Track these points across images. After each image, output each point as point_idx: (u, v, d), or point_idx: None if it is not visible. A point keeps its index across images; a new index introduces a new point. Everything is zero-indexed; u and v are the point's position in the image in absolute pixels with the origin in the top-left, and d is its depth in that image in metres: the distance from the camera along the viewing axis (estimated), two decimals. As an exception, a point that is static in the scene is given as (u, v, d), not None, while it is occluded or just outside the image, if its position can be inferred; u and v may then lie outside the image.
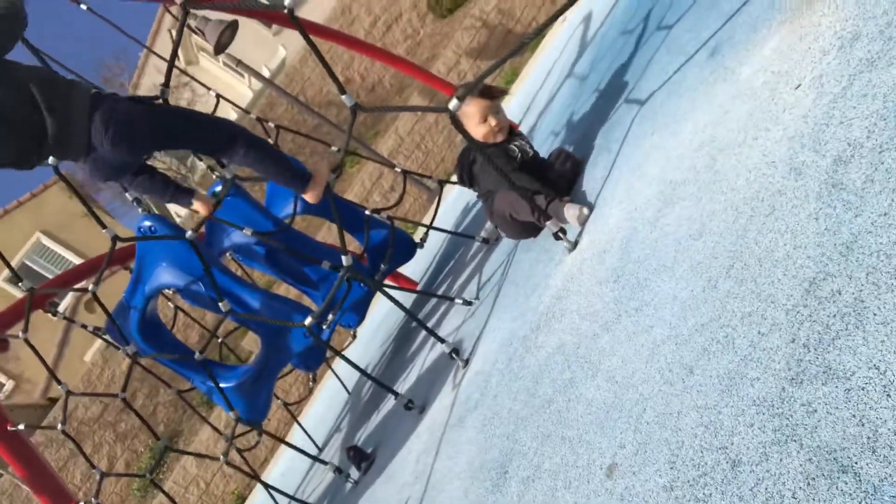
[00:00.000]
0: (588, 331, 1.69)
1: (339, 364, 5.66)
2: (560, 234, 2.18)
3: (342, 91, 2.12)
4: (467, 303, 2.94)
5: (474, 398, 2.16)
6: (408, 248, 4.09)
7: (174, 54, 2.37)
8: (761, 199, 1.38)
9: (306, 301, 5.44)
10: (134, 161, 2.47)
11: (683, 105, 2.08)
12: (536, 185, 2.49)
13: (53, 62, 3.20)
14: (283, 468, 6.31)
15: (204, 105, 13.95)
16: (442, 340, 2.56)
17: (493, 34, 10.03)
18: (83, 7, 4.01)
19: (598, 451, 1.34)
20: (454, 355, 2.51)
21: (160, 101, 2.47)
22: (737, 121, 1.70)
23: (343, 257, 2.63)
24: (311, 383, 4.32)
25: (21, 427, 3.39)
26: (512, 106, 6.32)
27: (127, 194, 3.41)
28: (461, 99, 1.98)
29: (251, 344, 8.99)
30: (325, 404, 6.04)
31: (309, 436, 4.62)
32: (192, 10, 2.08)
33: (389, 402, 3.36)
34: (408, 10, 12.16)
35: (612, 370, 1.47)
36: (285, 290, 7.77)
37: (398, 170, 3.98)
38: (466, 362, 2.48)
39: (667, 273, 1.52)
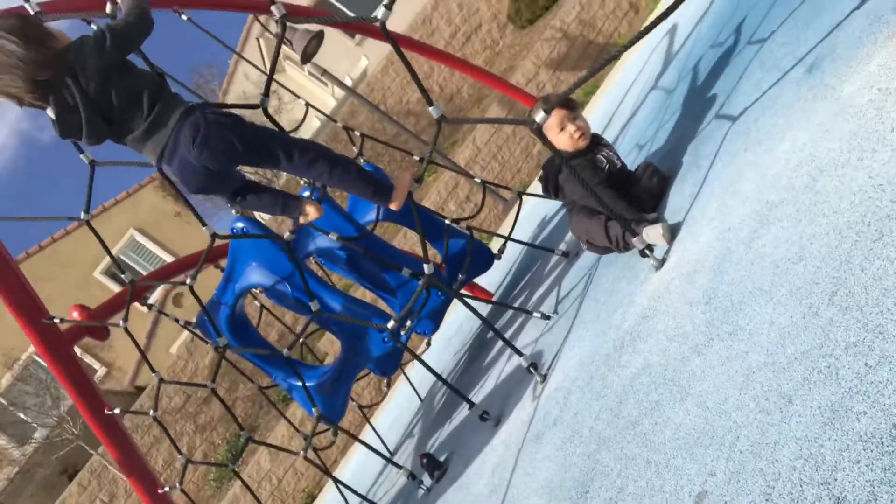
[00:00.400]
0: (677, 353, 1.66)
1: (411, 371, 5.74)
2: (647, 252, 2.15)
3: (430, 102, 2.16)
4: (545, 317, 2.93)
5: (553, 414, 2.15)
6: (485, 259, 4.11)
7: (273, 66, 2.47)
8: (867, 224, 1.32)
9: (380, 304, 5.55)
10: (219, 170, 2.51)
11: (779, 122, 2.02)
12: (621, 203, 2.45)
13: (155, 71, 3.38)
14: (354, 469, 6.43)
15: (289, 113, 14.44)
16: (520, 354, 2.56)
17: (573, 45, 9.96)
18: (183, 17, 4.23)
19: (687, 477, 1.31)
20: (532, 370, 2.51)
21: (260, 108, 2.57)
22: (839, 140, 1.64)
23: (424, 266, 2.68)
24: (385, 388, 4.39)
25: (117, 411, 3.59)
26: (592, 117, 6.25)
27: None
28: (548, 112, 1.98)
29: (326, 345, 9.22)
30: (396, 410, 6.12)
31: (381, 440, 4.69)
32: (289, 24, 2.16)
33: (463, 412, 3.38)
34: (487, 21, 12.23)
35: (703, 395, 1.44)
36: (360, 294, 7.94)
37: (477, 181, 4.01)
38: (545, 377, 2.47)
39: (763, 297, 1.47)
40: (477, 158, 9.39)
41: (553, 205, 4.87)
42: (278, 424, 8.94)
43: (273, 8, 2.01)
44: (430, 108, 2.14)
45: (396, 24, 14.56)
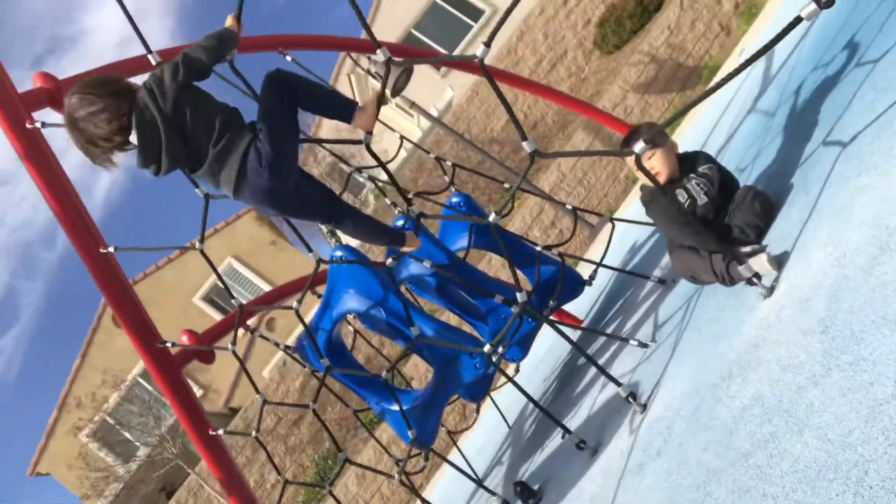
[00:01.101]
0: (791, 383, 1.60)
1: (498, 397, 5.72)
2: (754, 280, 2.09)
3: (524, 137, 2.19)
4: (643, 345, 2.88)
5: (656, 445, 2.10)
6: (575, 285, 4.09)
7: (379, 103, 2.57)
8: None
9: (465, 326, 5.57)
10: (292, 189, 2.61)
11: (897, 145, 1.94)
12: (710, 237, 2.37)
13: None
14: (441, 495, 6.44)
15: (378, 144, 14.85)
16: (618, 383, 2.53)
17: (661, 69, 9.81)
18: (288, 58, 4.48)
19: (810, 512, 1.27)
20: (631, 399, 2.47)
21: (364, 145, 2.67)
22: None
23: (518, 294, 2.69)
24: (475, 414, 4.40)
25: (220, 432, 3.76)
26: (684, 141, 6.12)
27: (322, 226, 3.73)
28: (648, 142, 1.98)
29: (410, 370, 9.32)
30: (483, 436, 6.10)
31: (470, 465, 4.69)
32: (392, 63, 2.26)
33: (555, 440, 3.34)
34: (573, 48, 12.24)
35: (824, 427, 1.39)
36: (446, 318, 8.01)
37: (568, 207, 4.01)
38: (644, 407, 2.42)
39: (888, 326, 1.41)
40: (562, 184, 9.36)
41: (645, 230, 4.79)
42: (365, 447, 9.07)
43: (379, 52, 2.10)
44: (524, 143, 2.16)
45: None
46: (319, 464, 10.01)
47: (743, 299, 2.23)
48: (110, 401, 15.56)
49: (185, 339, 3.88)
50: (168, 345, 3.61)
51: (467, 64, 3.48)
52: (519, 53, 12.30)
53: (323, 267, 3.23)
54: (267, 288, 16.60)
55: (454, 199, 4.20)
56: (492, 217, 2.38)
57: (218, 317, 16.77)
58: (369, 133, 2.58)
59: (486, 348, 2.79)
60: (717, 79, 8.15)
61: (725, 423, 1.78)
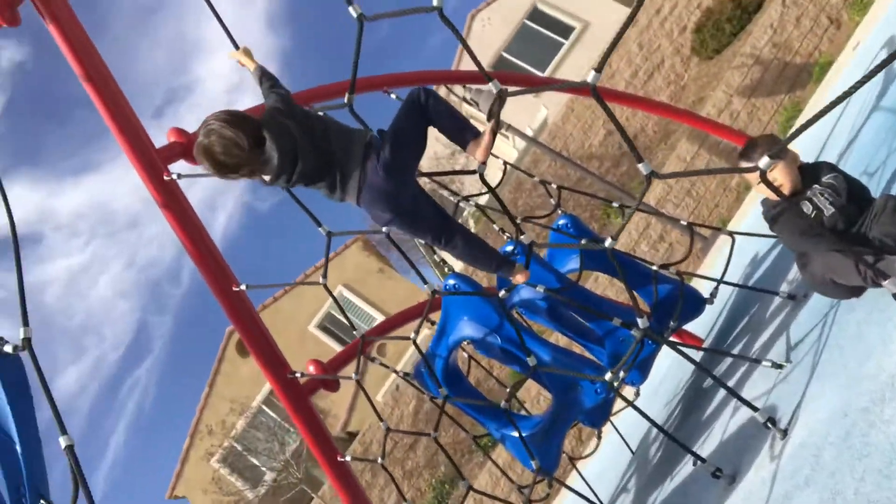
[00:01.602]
0: (959, 408, 1.49)
1: (618, 421, 5.58)
2: (902, 295, 1.95)
3: (639, 159, 2.16)
4: (777, 365, 2.74)
5: (803, 474, 1.99)
6: (696, 304, 3.95)
7: (494, 134, 2.62)
8: None
9: (572, 346, 5.48)
10: (406, 188, 2.75)
11: None
12: (849, 258, 2.24)
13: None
14: (562, 521, 6.32)
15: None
16: (754, 408, 2.41)
17: (767, 70, 9.38)
18: (392, 96, 4.65)
19: None
20: (770, 424, 2.35)
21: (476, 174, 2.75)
22: None
23: (639, 319, 2.64)
24: (596, 439, 4.32)
25: (349, 458, 3.89)
26: (800, 143, 5.81)
27: (435, 256, 3.82)
28: (774, 157, 1.91)
29: (522, 393, 9.27)
30: (604, 461, 5.96)
31: (594, 492, 4.59)
32: (508, 94, 2.31)
33: (685, 467, 3.23)
34: (670, 56, 11.94)
35: None
36: (554, 339, 7.92)
37: (683, 223, 3.89)
38: (785, 432, 2.30)
39: None
40: (669, 196, 9.09)
41: (765, 242, 4.57)
42: (481, 472, 9.08)
43: (491, 84, 2.16)
44: (640, 165, 2.14)
45: (576, 72, 14.71)
46: (437, 488, 10.10)
47: (889, 314, 2.09)
48: (237, 427, 16.43)
49: (311, 369, 4.06)
50: (297, 375, 3.80)
51: (582, 90, 3.48)
52: (613, 66, 12.13)
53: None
54: (376, 314, 17.05)
55: (561, 221, 4.18)
56: (608, 242, 2.36)
57: (333, 344, 17.39)
58: (483, 163, 2.65)
59: (608, 376, 2.74)
60: (831, 76, 7.70)
61: (883, 450, 1.67)
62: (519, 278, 2.96)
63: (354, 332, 3.77)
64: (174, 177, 3.25)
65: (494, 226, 4.15)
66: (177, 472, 17.78)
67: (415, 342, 3.34)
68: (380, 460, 3.85)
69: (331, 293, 3.82)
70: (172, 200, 3.26)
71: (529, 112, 15.31)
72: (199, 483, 16.77)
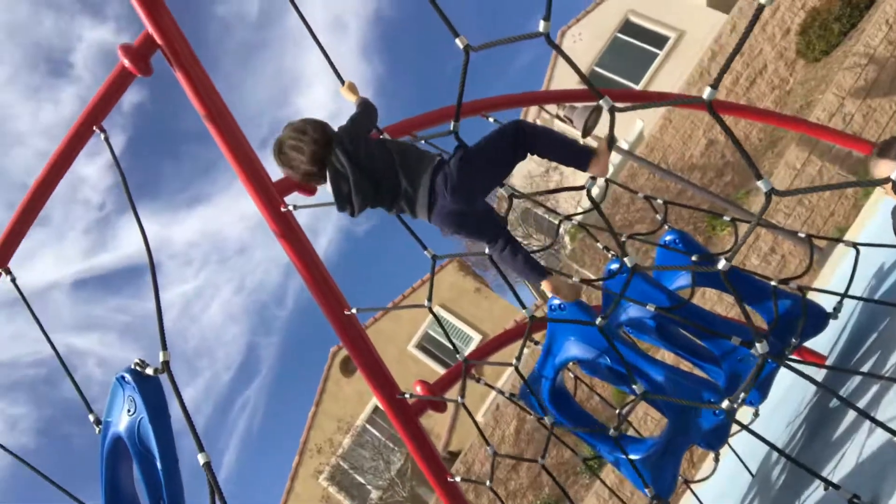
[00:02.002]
0: None
1: (735, 442, 5.32)
2: None
3: (758, 176, 2.08)
4: (916, 385, 2.55)
5: (957, 502, 1.85)
6: (819, 320, 3.74)
7: (610, 148, 2.61)
8: None
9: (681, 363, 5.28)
10: (472, 210, 2.82)
11: None
12: None
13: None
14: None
15: (571, 184, 14.91)
16: (893, 432, 2.26)
17: (883, 68, 8.80)
18: (490, 120, 4.71)
19: None
20: (913, 447, 2.19)
21: (585, 190, 2.75)
22: None
23: (760, 336, 2.53)
24: (714, 462, 4.15)
25: (458, 479, 3.92)
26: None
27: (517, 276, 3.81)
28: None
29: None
30: (721, 484, 5.70)
31: (711, 518, 4.40)
32: (618, 110, 2.29)
33: (817, 492, 3.04)
34: (773, 60, 11.43)
35: None
36: (660, 356, 7.67)
37: (801, 235, 3.71)
38: (931, 456, 2.14)
39: None
40: (779, 206, 8.65)
41: (890, 253, 4.27)
42: (587, 496, 8.88)
43: (602, 101, 2.16)
44: (759, 183, 2.05)
45: (671, 82, 14.35)
46: (540, 509, 9.97)
47: None
48: (344, 445, 16.89)
49: (419, 390, 4.13)
50: (406, 396, 3.88)
51: (697, 105, 3.41)
52: (712, 74, 11.73)
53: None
54: (473, 333, 17.13)
55: (668, 237, 4.08)
56: (721, 264, 2.28)
57: (431, 363, 17.60)
58: (601, 178, 2.67)
59: (725, 404, 2.63)
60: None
61: None
62: (547, 288, 3.01)
63: (457, 356, 3.81)
64: (290, 208, 3.43)
65: (598, 244, 4.09)
66: (287, 489, 18.43)
67: (517, 368, 3.34)
68: (488, 483, 3.85)
69: (436, 316, 3.89)
70: (288, 230, 3.43)
71: (625, 125, 15.04)
72: (308, 500, 17.31)
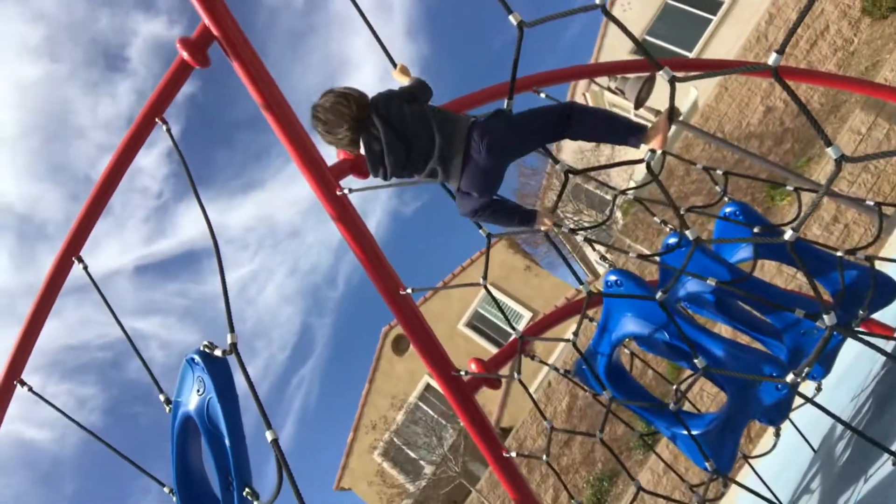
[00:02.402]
0: None
1: (796, 416, 5.21)
2: None
3: (828, 143, 1.99)
4: None
5: None
6: (888, 291, 3.61)
7: (670, 121, 2.55)
8: None
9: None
10: (502, 168, 2.83)
11: None
12: None
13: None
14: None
15: (624, 158, 14.62)
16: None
17: (958, 23, 8.32)
18: (542, 95, 4.64)
19: None
20: None
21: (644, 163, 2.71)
22: None
23: (828, 309, 2.46)
24: (774, 437, 4.07)
25: (514, 454, 3.96)
26: None
27: (596, 250, 3.77)
28: None
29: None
30: (781, 459, 5.59)
31: (773, 493, 4.33)
32: (679, 80, 2.24)
33: (884, 468, 2.96)
34: (836, 21, 10.91)
35: None
36: (716, 330, 7.52)
37: (870, 203, 3.57)
38: None
39: None
40: (843, 173, 8.31)
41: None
42: (642, 471, 8.83)
43: (661, 72, 2.10)
44: (829, 149, 1.98)
45: (726, 48, 13.87)
46: (595, 485, 9.97)
47: None
48: (397, 421, 17.20)
49: (473, 368, 4.17)
50: (462, 373, 3.92)
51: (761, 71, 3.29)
52: (770, 38, 11.29)
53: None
54: (523, 311, 17.11)
55: (728, 209, 3.98)
56: (788, 235, 2.22)
57: (481, 342, 17.67)
58: (659, 151, 2.62)
59: (790, 378, 2.58)
60: None
61: None
62: (545, 223, 3.03)
63: (513, 332, 3.82)
64: (345, 191, 3.47)
65: (655, 218, 4.02)
66: (342, 465, 18.90)
67: (574, 344, 3.33)
68: (544, 458, 3.88)
69: (492, 294, 3.90)
70: (344, 213, 3.48)
71: (678, 94, 14.64)
72: (363, 475, 17.73)
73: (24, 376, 3.50)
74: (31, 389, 3.42)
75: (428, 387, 17.94)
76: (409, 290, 3.72)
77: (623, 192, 4.14)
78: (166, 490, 2.90)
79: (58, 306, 3.61)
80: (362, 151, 2.91)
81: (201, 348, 2.52)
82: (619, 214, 14.35)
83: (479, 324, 18.18)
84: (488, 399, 16.24)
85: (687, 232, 3.05)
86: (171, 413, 2.86)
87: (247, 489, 2.45)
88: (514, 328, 3.81)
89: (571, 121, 2.72)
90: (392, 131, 2.80)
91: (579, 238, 4.29)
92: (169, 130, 3.19)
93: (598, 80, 11.37)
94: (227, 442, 2.53)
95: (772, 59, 1.89)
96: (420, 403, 17.85)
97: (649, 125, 2.71)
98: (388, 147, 2.81)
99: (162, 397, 2.90)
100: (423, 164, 2.87)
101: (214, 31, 3.10)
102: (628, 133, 2.70)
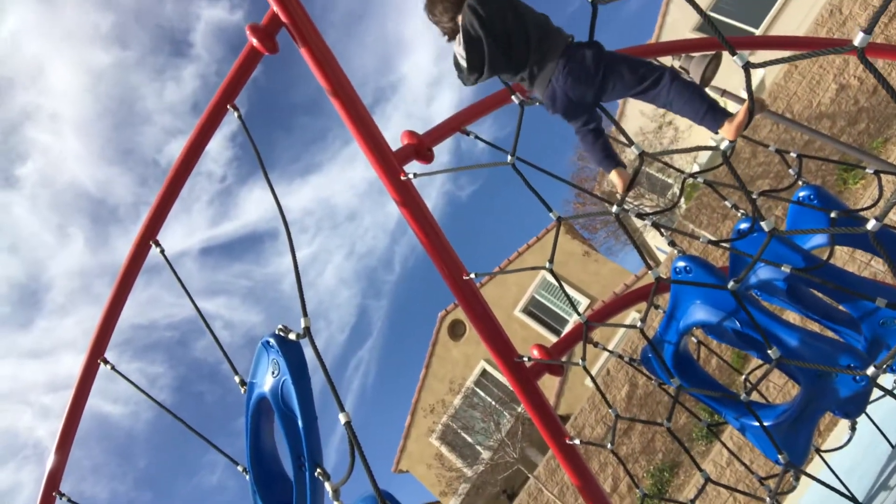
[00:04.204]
0: None
1: (871, 409, 5.00)
2: None
3: None
4: None
5: None
6: (978, 279, 3.41)
7: (751, 114, 2.48)
8: None
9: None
10: (583, 98, 2.83)
11: None
12: None
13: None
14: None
15: (686, 141, 14.22)
16: None
17: None
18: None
19: None
20: None
21: (721, 151, 2.64)
22: None
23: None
24: (850, 431, 3.92)
25: (577, 441, 3.93)
26: None
27: (664, 234, 3.69)
28: None
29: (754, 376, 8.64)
30: (854, 453, 5.40)
31: (846, 487, 4.19)
32: (754, 66, 2.16)
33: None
34: (917, -7, 10.29)
35: None
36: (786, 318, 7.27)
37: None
38: None
39: None
40: (924, 156, 7.90)
41: None
42: (704, 462, 8.66)
43: (736, 57, 2.04)
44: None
45: (795, 24, 13.29)
46: (655, 475, 9.84)
47: None
48: (455, 405, 17.33)
49: (536, 354, 4.16)
50: (524, 359, 3.91)
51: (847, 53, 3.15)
52: (845, 12, 10.76)
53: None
54: (580, 297, 16.93)
55: (802, 193, 3.83)
56: (871, 224, 2.12)
57: (538, 327, 17.60)
58: (732, 142, 2.55)
59: (870, 371, 2.47)
60: None
61: None
62: (615, 179, 3.02)
63: (570, 319, 3.78)
64: (410, 176, 3.49)
65: (726, 202, 3.90)
66: (400, 448, 19.19)
67: (642, 331, 3.27)
68: (609, 446, 3.84)
69: (557, 277, 3.87)
70: (408, 198, 3.50)
71: (742, 74, 14.13)
72: (421, 458, 17.96)
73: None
74: (113, 368, 3.59)
75: (484, 372, 17.98)
76: (472, 276, 3.73)
77: (692, 175, 4.02)
78: (240, 469, 3.00)
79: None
80: (458, 49, 2.91)
81: (276, 332, 2.58)
82: (682, 201, 14.02)
83: (535, 310, 18.10)
84: (544, 387, 16.20)
85: (762, 223, 2.95)
86: (245, 394, 2.95)
87: (318, 469, 2.50)
88: (578, 313, 3.77)
89: (661, 83, 2.69)
90: (492, 37, 2.80)
91: (643, 223, 4.20)
92: (240, 117, 3.27)
93: (659, 59, 11.07)
94: (300, 423, 2.59)
95: (858, 38, 1.80)
96: (477, 389, 17.94)
97: (734, 111, 2.64)
98: (489, 49, 2.82)
99: (237, 379, 3.00)
100: (514, 70, 2.93)
101: (283, 18, 3.15)
102: (711, 115, 2.65)
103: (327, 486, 2.30)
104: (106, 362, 3.63)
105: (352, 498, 2.28)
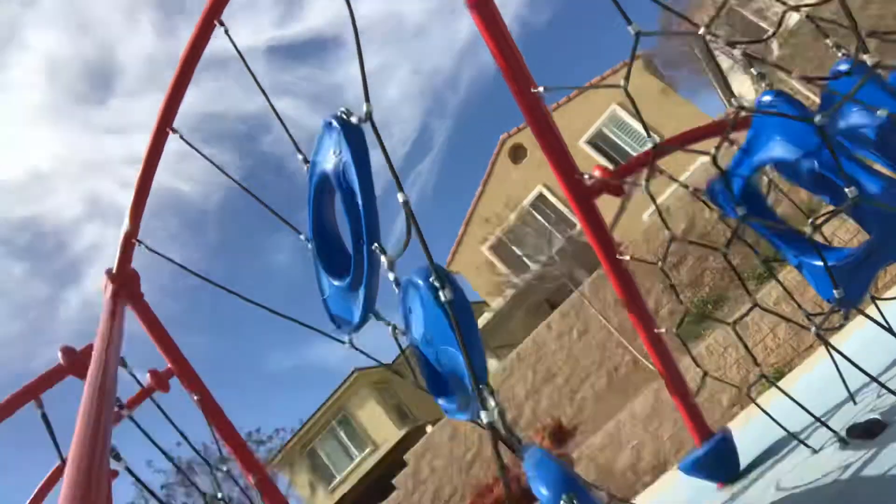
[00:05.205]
0: None
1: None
2: None
3: None
4: None
5: None
6: None
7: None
8: None
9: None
10: None
11: None
12: None
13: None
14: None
15: None
16: None
17: None
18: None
19: None
20: None
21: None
22: None
23: None
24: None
25: (627, 258, 3.97)
26: None
27: (752, 70, 3.40)
28: None
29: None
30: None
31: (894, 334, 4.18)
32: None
33: None
34: None
35: None
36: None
37: None
38: None
39: None
40: None
41: None
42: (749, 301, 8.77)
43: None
44: None
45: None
46: (699, 306, 10.09)
47: None
48: (510, 219, 17.76)
49: (597, 174, 4.09)
50: (585, 176, 3.86)
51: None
52: None
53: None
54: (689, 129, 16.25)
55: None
56: None
57: (601, 160, 17.27)
58: None
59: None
60: None
61: None
62: None
63: (647, 141, 3.61)
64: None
65: (827, 41, 3.53)
66: (452, 251, 20.00)
67: (714, 158, 3.13)
68: (659, 264, 3.85)
69: (631, 99, 3.66)
70: (482, 2, 3.30)
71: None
72: (471, 263, 18.76)
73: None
74: (181, 137, 3.69)
75: (541, 196, 18.06)
76: (540, 89, 3.57)
77: (794, 8, 3.58)
78: (302, 237, 3.16)
79: (196, 76, 3.72)
80: None
81: (338, 114, 2.57)
82: (774, 45, 12.87)
83: (601, 143, 17.65)
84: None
85: (864, 56, 2.67)
86: (308, 171, 3.02)
87: (376, 244, 2.60)
88: (650, 135, 3.62)
89: None
90: None
91: (731, 64, 3.85)
92: None
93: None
94: (359, 200, 2.66)
95: None
96: (532, 210, 18.15)
97: None
98: None
99: (300, 157, 3.06)
100: None
101: None
102: None
103: (383, 259, 2.40)
104: (174, 131, 3.72)
105: (407, 274, 2.38)
